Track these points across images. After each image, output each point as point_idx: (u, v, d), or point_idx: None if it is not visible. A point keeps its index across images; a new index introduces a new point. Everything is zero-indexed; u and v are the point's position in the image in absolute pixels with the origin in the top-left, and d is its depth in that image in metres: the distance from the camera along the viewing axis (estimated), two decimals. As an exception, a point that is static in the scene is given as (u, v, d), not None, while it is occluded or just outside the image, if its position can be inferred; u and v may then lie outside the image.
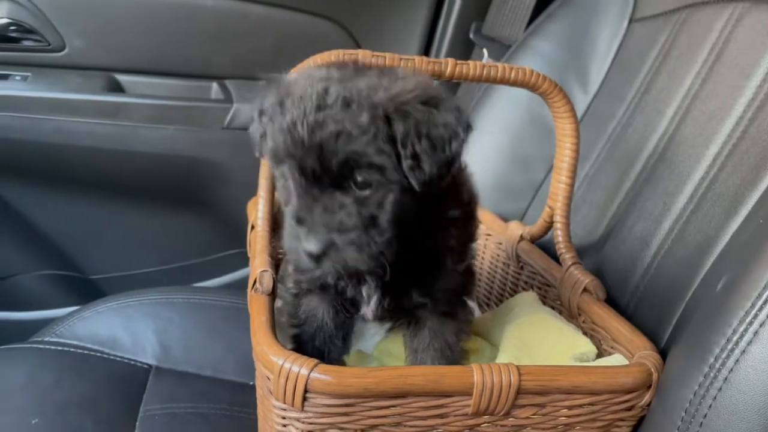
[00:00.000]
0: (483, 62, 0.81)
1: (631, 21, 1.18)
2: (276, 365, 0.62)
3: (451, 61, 0.78)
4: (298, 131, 0.59)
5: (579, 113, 1.09)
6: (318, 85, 0.61)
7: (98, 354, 1.08)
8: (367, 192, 0.61)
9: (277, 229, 0.81)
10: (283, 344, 0.66)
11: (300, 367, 0.61)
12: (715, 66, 0.93)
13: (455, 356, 0.77)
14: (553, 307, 0.91)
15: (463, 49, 1.65)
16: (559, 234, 0.91)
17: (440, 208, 0.70)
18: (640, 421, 0.72)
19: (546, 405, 0.67)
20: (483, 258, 1.13)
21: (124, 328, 1.13)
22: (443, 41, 1.66)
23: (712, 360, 0.62)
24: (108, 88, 1.49)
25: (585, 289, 0.85)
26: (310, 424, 0.63)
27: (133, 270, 1.67)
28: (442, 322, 0.76)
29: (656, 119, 0.99)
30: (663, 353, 0.73)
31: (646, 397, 0.70)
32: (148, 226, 1.62)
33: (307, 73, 0.66)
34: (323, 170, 0.60)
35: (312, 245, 0.60)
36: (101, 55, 1.50)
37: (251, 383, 1.04)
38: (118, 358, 1.08)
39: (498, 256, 1.08)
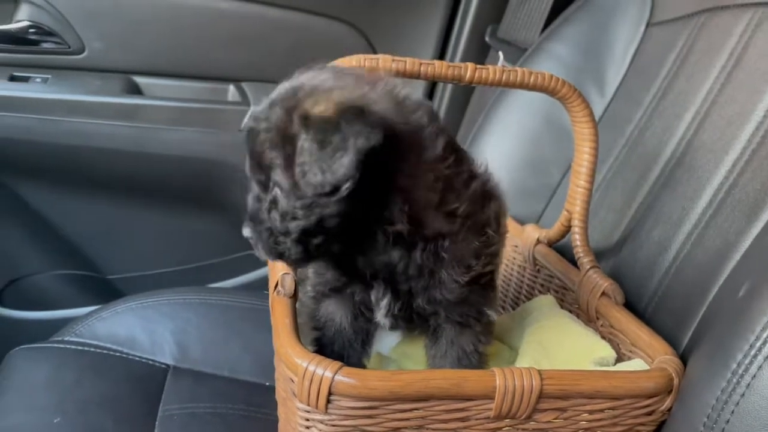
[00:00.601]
0: (501, 66, 0.81)
1: (648, 25, 1.18)
2: (300, 367, 0.62)
3: (470, 65, 0.79)
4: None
5: (596, 117, 1.09)
6: (283, 85, 0.65)
7: (117, 354, 1.09)
8: (274, 192, 0.63)
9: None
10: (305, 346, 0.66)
11: (324, 369, 0.61)
12: (734, 71, 0.93)
13: (473, 364, 0.76)
14: (570, 311, 0.92)
15: (479, 52, 1.65)
16: (577, 238, 0.91)
17: (418, 221, 0.67)
18: (660, 425, 0.72)
19: (567, 409, 0.67)
20: (499, 261, 1.13)
21: (142, 328, 1.14)
22: (459, 44, 1.66)
23: (734, 365, 0.62)
24: (126, 91, 1.51)
25: (603, 293, 0.85)
26: (334, 426, 0.64)
27: (149, 270, 1.68)
28: (458, 332, 0.76)
29: (674, 123, 0.99)
30: (682, 358, 0.73)
31: (667, 402, 0.70)
32: (164, 227, 1.64)
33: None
34: (258, 169, 0.64)
35: (244, 231, 0.67)
36: (120, 58, 1.51)
37: (267, 384, 1.05)
38: (137, 358, 1.09)
39: (514, 259, 1.09)
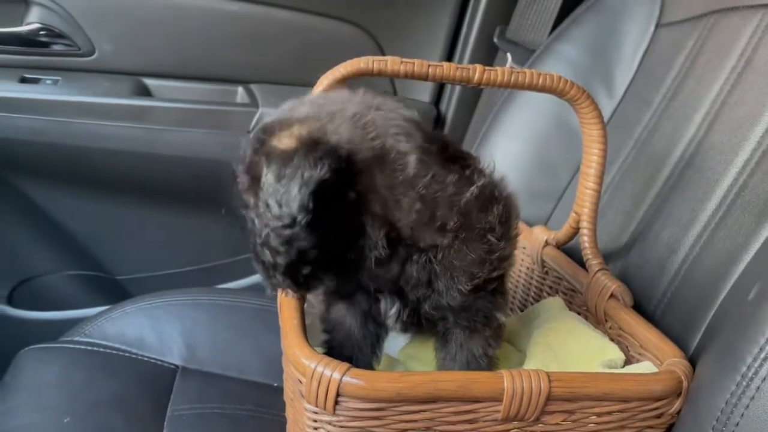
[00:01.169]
0: (510, 68, 0.81)
1: (657, 26, 1.18)
2: (308, 369, 0.62)
3: (479, 67, 0.79)
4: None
5: (605, 118, 1.09)
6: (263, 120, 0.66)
7: (127, 354, 1.09)
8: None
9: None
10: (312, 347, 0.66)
11: (332, 370, 0.62)
12: (744, 72, 0.93)
13: (482, 367, 0.76)
14: (578, 313, 0.91)
15: (487, 54, 1.65)
16: (585, 240, 0.91)
17: (403, 236, 0.66)
18: (669, 428, 0.72)
19: (575, 411, 0.67)
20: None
21: (151, 328, 1.15)
22: (467, 45, 1.66)
23: (744, 368, 0.62)
24: (136, 92, 1.51)
25: (612, 295, 0.84)
26: (342, 427, 0.64)
27: (158, 271, 1.69)
28: (467, 336, 0.75)
29: (684, 125, 0.99)
30: (691, 361, 0.72)
31: (676, 405, 0.70)
32: (173, 227, 1.64)
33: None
34: (245, 208, 0.65)
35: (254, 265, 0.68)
36: (129, 60, 1.52)
37: (276, 384, 1.05)
38: (146, 359, 1.09)
39: (522, 260, 1.08)
